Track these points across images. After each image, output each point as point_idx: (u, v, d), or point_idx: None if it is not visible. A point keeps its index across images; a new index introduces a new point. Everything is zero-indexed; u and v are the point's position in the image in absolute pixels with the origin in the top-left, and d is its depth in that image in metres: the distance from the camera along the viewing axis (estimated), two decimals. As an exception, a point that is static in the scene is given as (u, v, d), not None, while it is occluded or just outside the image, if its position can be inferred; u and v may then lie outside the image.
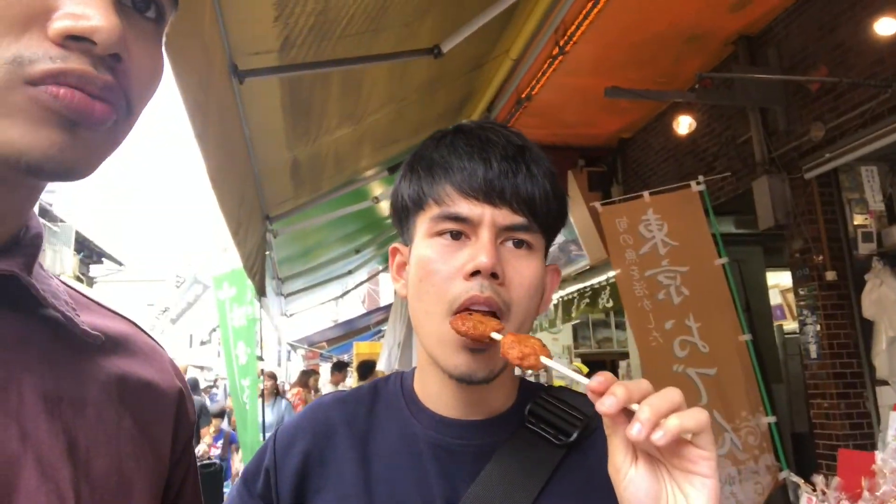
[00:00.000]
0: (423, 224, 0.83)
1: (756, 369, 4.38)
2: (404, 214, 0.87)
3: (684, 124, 4.63)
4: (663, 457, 0.63)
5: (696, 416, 0.60)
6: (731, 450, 4.24)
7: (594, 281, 6.96)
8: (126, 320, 0.66)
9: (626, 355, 7.38)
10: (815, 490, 2.20)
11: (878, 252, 3.99)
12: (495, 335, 0.74)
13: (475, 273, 0.77)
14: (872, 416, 3.94)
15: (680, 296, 4.57)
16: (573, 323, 8.74)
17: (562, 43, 4.20)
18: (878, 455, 2.12)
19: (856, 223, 4.09)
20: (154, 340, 0.68)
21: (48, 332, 0.54)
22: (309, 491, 0.85)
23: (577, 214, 6.44)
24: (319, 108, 3.81)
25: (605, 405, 0.61)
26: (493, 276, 0.77)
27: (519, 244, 0.81)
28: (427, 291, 0.80)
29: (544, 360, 0.72)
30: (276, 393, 8.02)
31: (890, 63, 3.51)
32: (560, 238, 7.08)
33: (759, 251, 6.08)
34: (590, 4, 3.80)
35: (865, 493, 2.02)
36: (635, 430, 0.59)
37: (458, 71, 4.40)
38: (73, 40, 0.45)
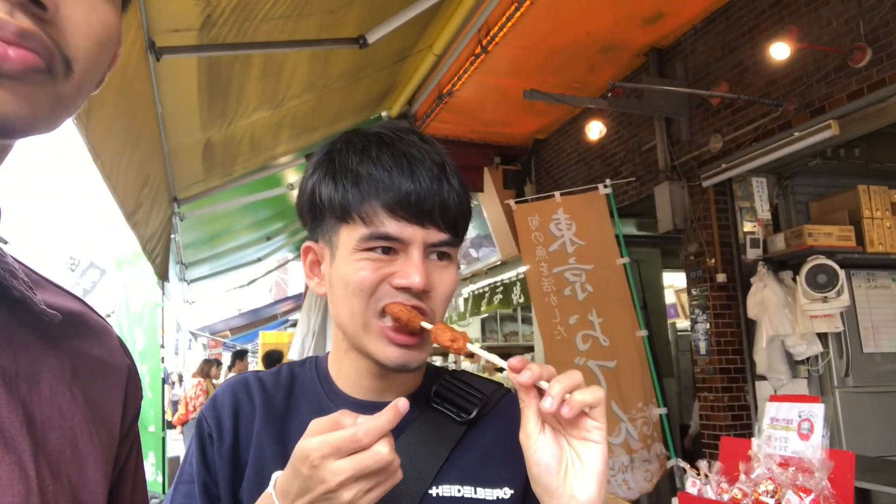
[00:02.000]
0: (348, 238, 0.85)
1: (651, 363, 4.67)
2: (319, 215, 0.89)
3: (595, 129, 4.84)
4: (564, 427, 0.73)
5: (594, 393, 0.70)
6: (626, 439, 4.50)
7: (504, 276, 7.13)
8: (77, 299, 0.66)
9: (531, 349, 7.62)
10: (699, 474, 2.39)
11: (763, 257, 4.34)
12: (426, 324, 0.81)
13: (404, 290, 0.83)
14: (751, 408, 4.29)
15: (584, 292, 4.80)
16: (482, 317, 8.94)
17: (484, 42, 4.29)
18: (754, 441, 2.34)
19: (745, 230, 4.42)
20: (103, 319, 0.69)
21: (5, 310, 0.54)
22: (239, 461, 0.89)
23: (491, 210, 6.59)
24: (237, 90, 3.73)
25: (524, 377, 0.70)
26: (424, 291, 0.84)
27: (442, 256, 0.88)
28: (356, 296, 0.85)
29: (469, 346, 0.80)
30: None
31: (781, 84, 3.81)
32: (472, 233, 7.24)
33: (657, 252, 6.43)
34: (512, 7, 3.90)
35: (742, 476, 2.22)
36: (547, 403, 0.68)
37: (382, 62, 4.41)
38: None
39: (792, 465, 2.07)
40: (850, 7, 3.41)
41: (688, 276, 4.64)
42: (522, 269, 5.38)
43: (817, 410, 2.22)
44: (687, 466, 2.52)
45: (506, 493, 0.89)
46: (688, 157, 4.56)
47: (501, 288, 7.17)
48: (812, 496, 1.91)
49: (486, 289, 7.56)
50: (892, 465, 3.67)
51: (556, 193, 4.82)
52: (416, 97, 5.31)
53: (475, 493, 0.88)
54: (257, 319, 14.98)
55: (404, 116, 5.53)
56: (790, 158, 3.99)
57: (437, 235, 0.85)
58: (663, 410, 4.56)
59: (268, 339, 12.75)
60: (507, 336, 9.50)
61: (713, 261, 4.37)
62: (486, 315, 8.89)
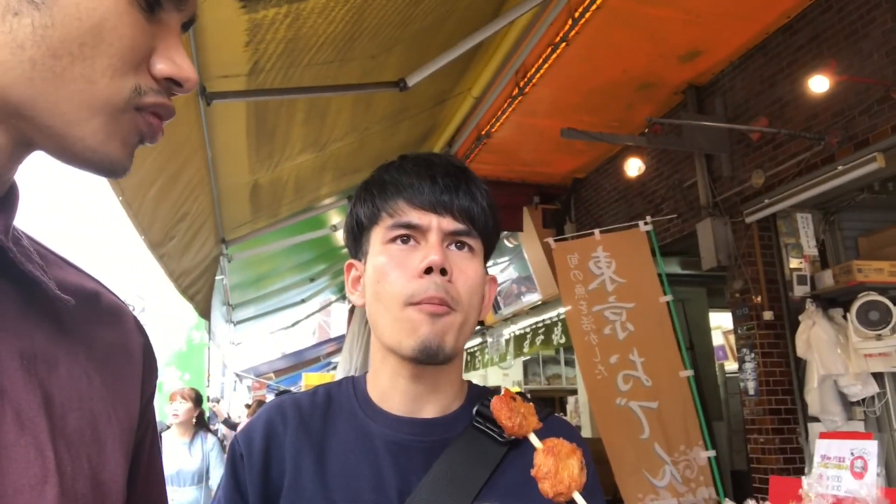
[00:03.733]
0: (377, 235, 0.94)
1: (697, 405, 4.54)
2: (359, 232, 0.98)
3: (634, 167, 4.84)
4: None
5: None
6: (671, 482, 4.36)
7: (545, 316, 7.09)
8: (92, 279, 0.68)
9: (574, 391, 7.51)
10: (748, 514, 2.30)
11: (811, 294, 4.22)
12: (534, 440, 0.82)
13: (428, 271, 0.87)
14: (804, 450, 4.12)
15: (625, 331, 4.72)
16: (524, 359, 8.84)
17: (521, 84, 4.38)
18: (805, 480, 2.25)
19: (791, 266, 4.33)
20: (119, 299, 0.70)
21: (22, 293, 0.56)
22: (272, 483, 0.90)
23: (531, 250, 6.59)
24: (284, 134, 3.87)
25: None
26: (443, 272, 0.88)
27: (461, 246, 0.92)
28: (385, 290, 0.90)
29: (576, 495, 0.75)
30: (201, 425, 5.26)
31: (822, 117, 3.78)
32: (513, 273, 7.24)
33: (702, 292, 6.32)
34: (549, 50, 3.99)
35: (794, 516, 2.14)
36: None
37: (422, 105, 4.53)
38: (170, 81, 0.55)
39: (845, 504, 1.98)
40: (892, 39, 3.38)
41: (734, 314, 4.54)
42: (563, 309, 5.35)
43: (871, 447, 2.13)
44: (735, 507, 2.44)
45: None
46: (730, 192, 4.52)
47: (543, 329, 7.12)
48: (866, 535, 1.83)
49: (528, 329, 7.52)
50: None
51: (596, 231, 4.81)
52: (456, 138, 5.41)
53: None
54: (301, 361, 15.09)
55: (444, 158, 5.63)
56: (835, 193, 3.92)
57: (453, 224, 0.91)
58: (711, 453, 4.40)
59: (311, 380, 12.79)
60: (549, 379, 9.38)
61: (759, 298, 4.27)
62: (529, 357, 8.80)
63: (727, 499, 4.10)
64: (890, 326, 3.75)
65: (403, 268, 0.89)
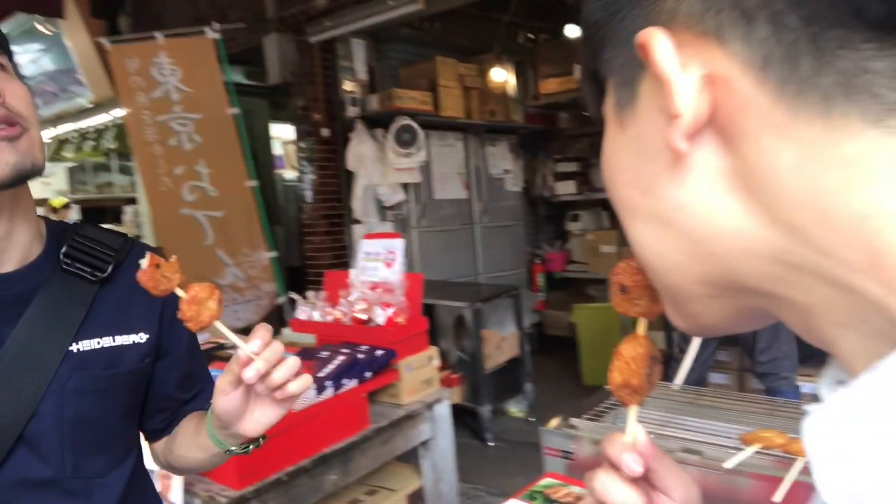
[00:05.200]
0: None
1: (261, 212, 4.91)
2: None
3: (203, -34, 4.54)
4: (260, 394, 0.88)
5: (300, 383, 0.86)
6: (233, 281, 4.77)
7: (97, 121, 6.40)
8: None
9: (132, 201, 7.16)
10: (307, 302, 2.77)
11: (361, 115, 4.83)
12: (179, 292, 0.83)
13: None
14: (349, 248, 4.93)
15: (192, 143, 4.69)
16: (69, 165, 7.91)
17: None
18: (352, 272, 2.80)
19: (346, 88, 4.82)
20: None
21: None
22: None
23: (78, 43, 5.72)
24: None
25: (247, 375, 0.82)
26: None
27: None
28: None
29: (217, 324, 0.85)
30: None
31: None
32: (49, 66, 6.20)
33: (265, 104, 6.53)
34: None
35: (342, 300, 2.67)
36: (248, 374, 0.82)
37: None
38: None
39: (380, 288, 2.57)
40: None
41: (297, 130, 4.90)
42: (119, 112, 4.94)
43: (399, 244, 2.75)
44: (298, 297, 2.88)
45: (141, 337, 0.98)
46: (296, 10, 4.66)
47: (94, 133, 6.45)
48: (393, 309, 2.43)
49: (75, 134, 6.70)
50: (451, 284, 4.71)
51: (159, 35, 4.47)
52: None
53: (114, 341, 0.95)
54: None
55: None
56: (385, 24, 4.42)
57: None
58: (273, 254, 4.91)
59: None
60: (101, 187, 8.65)
61: (319, 116, 4.69)
62: (74, 165, 7.91)
63: (287, 293, 4.72)
64: (416, 146, 4.60)
65: None
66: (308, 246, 4.94)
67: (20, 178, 0.85)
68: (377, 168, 4.66)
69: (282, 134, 7.99)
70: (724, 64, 0.30)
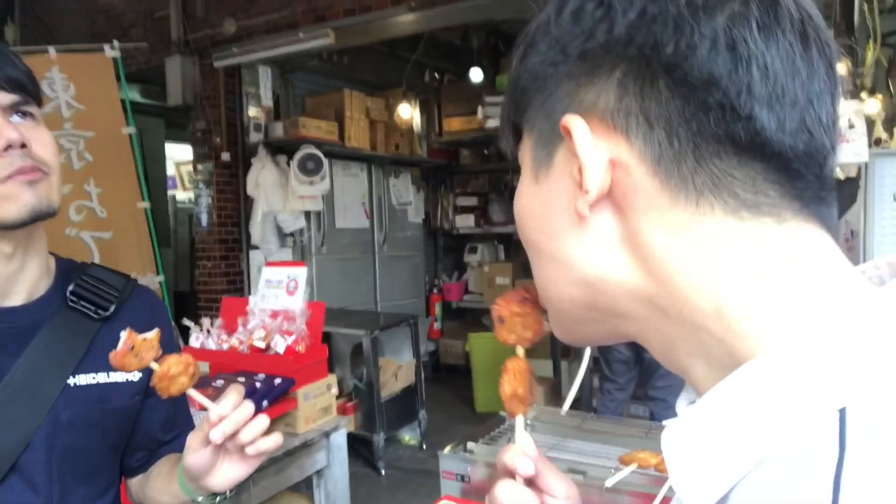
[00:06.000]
0: None
1: (152, 234, 4.74)
2: None
3: (103, -20, 4.42)
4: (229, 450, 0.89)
5: (269, 442, 0.88)
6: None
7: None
8: None
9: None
10: (202, 329, 2.72)
11: (264, 141, 4.80)
12: (153, 365, 0.85)
13: (8, 149, 0.86)
14: (244, 273, 4.84)
15: (82, 161, 4.48)
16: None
17: None
18: (252, 299, 2.78)
19: (250, 114, 4.79)
20: None
21: None
22: None
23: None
24: None
25: (214, 437, 0.84)
26: (23, 146, 0.87)
27: (24, 116, 0.92)
28: None
29: (189, 391, 0.88)
30: None
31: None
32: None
33: (160, 123, 6.35)
34: None
35: (240, 328, 2.64)
36: (214, 436, 0.84)
37: None
38: None
39: (280, 316, 2.57)
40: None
41: (195, 152, 4.80)
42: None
43: (301, 273, 2.76)
44: (192, 324, 2.82)
45: (134, 375, 1.01)
46: (201, 34, 4.61)
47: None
48: (293, 337, 2.45)
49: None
50: (349, 312, 4.72)
51: (51, 49, 4.28)
52: None
53: (108, 377, 0.98)
54: None
55: None
56: (294, 55, 4.46)
57: (9, 97, 0.89)
58: (161, 278, 4.73)
59: None
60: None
61: (219, 140, 4.63)
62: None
63: (183, 319, 4.56)
64: (320, 175, 4.63)
65: None
66: (201, 271, 4.81)
67: (35, 219, 0.89)
68: (279, 194, 4.64)
69: (176, 154, 7.76)
70: (626, 153, 0.38)
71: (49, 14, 5.41)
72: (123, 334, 0.84)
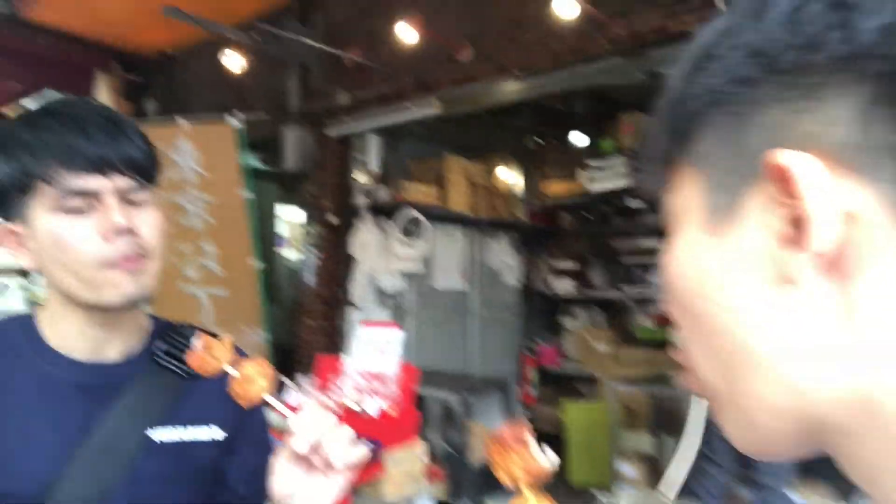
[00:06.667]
0: (40, 202, 0.89)
1: (263, 293, 4.99)
2: (2, 194, 0.91)
3: (232, 58, 4.83)
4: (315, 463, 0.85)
5: (356, 453, 0.85)
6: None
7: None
8: None
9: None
10: (299, 387, 2.80)
11: (369, 205, 5.00)
12: (229, 369, 0.88)
13: (116, 233, 0.91)
14: (343, 332, 4.97)
15: (203, 222, 4.83)
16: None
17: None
18: (345, 358, 2.84)
19: (358, 179, 5.02)
20: None
21: None
22: None
23: (104, 120, 5.99)
24: None
25: (298, 447, 0.83)
26: (130, 232, 0.92)
27: (137, 202, 0.96)
28: (71, 258, 0.90)
29: (266, 396, 0.88)
30: None
31: (402, 58, 4.39)
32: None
33: (274, 186, 6.76)
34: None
35: (332, 386, 2.70)
36: (300, 447, 0.83)
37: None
38: None
39: (374, 377, 2.61)
40: (462, 12, 4.13)
41: (307, 215, 5.05)
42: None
43: (396, 335, 2.81)
44: (287, 381, 2.90)
45: (217, 433, 1.05)
46: (317, 105, 4.92)
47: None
48: (386, 399, 2.47)
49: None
50: (439, 374, 4.74)
51: (181, 120, 4.70)
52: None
53: (191, 434, 1.03)
54: None
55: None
56: (402, 124, 4.66)
57: (126, 182, 0.92)
58: (268, 335, 4.94)
59: None
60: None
61: (329, 203, 4.86)
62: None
63: (293, 379, 4.73)
64: (420, 237, 4.74)
65: (86, 234, 0.90)
66: (304, 327, 4.99)
67: (130, 307, 0.95)
68: (380, 256, 4.78)
69: (286, 215, 8.20)
70: (865, 201, 0.29)
71: (184, 88, 5.96)
72: (197, 341, 0.85)
